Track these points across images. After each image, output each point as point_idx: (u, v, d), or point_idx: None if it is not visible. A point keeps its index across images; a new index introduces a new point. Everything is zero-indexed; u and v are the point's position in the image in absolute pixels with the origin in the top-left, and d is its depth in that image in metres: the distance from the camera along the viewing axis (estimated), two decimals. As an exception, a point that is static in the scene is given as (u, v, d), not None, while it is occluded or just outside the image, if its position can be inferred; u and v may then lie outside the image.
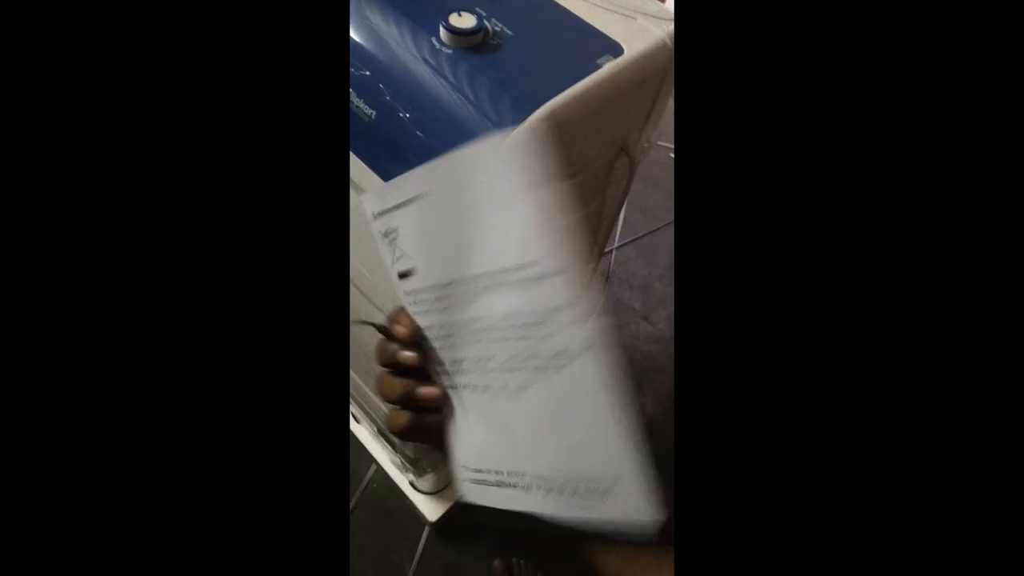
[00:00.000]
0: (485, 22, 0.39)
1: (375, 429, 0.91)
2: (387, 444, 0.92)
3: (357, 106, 0.40)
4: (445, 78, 0.38)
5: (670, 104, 0.45)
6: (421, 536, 1.04)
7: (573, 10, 0.41)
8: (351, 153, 0.43)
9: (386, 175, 0.42)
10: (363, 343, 0.67)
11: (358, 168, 0.43)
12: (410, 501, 1.03)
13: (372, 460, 1.08)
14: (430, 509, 1.01)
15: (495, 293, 0.25)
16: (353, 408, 1.04)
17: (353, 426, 1.09)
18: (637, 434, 0.23)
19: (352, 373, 0.81)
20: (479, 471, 0.28)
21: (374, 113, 0.40)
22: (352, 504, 1.06)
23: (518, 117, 0.36)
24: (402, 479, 1.04)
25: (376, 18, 0.41)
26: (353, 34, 0.40)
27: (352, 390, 0.88)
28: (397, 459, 0.96)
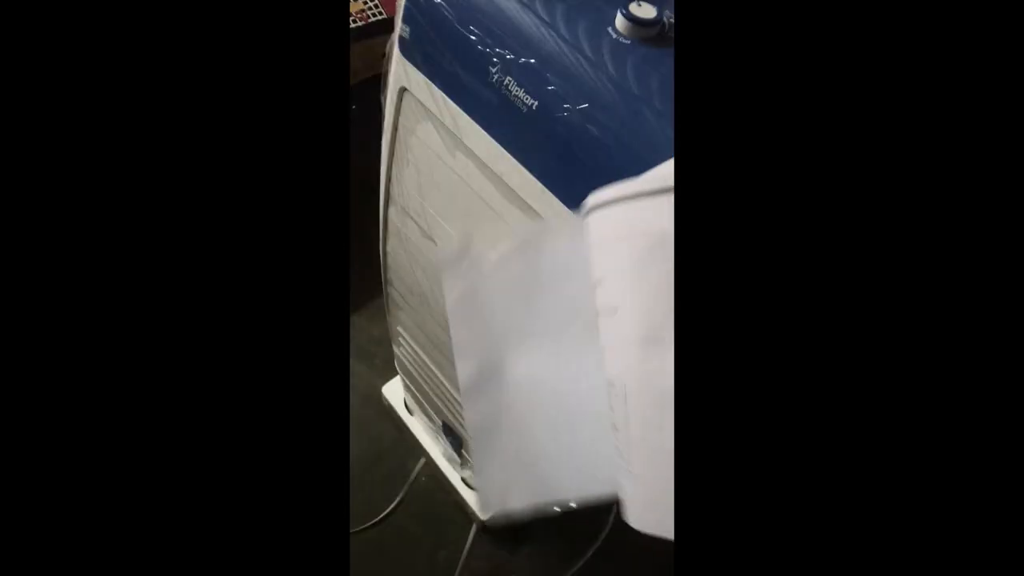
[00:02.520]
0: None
1: (439, 424, 0.89)
2: (449, 440, 0.90)
3: (516, 95, 0.38)
4: (621, 70, 0.36)
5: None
6: (469, 533, 1.02)
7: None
8: (493, 140, 0.42)
9: (539, 168, 0.40)
10: (434, 333, 0.66)
11: (503, 158, 0.41)
12: (460, 497, 1.02)
13: (423, 453, 1.07)
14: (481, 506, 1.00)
15: None
16: (409, 399, 1.02)
17: (406, 418, 1.08)
18: None
19: (420, 365, 0.79)
20: None
21: (536, 103, 0.38)
22: (400, 497, 1.05)
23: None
24: (454, 474, 1.03)
25: (541, 5, 0.39)
26: (516, 20, 0.39)
27: (418, 382, 0.86)
28: (453, 454, 0.94)
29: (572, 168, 0.38)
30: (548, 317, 0.35)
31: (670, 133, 0.34)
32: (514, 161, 0.41)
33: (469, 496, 1.01)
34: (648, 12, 0.36)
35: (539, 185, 0.40)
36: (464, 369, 0.36)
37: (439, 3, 0.41)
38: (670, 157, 0.34)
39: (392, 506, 1.04)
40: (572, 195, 0.39)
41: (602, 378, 0.32)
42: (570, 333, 0.34)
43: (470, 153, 0.44)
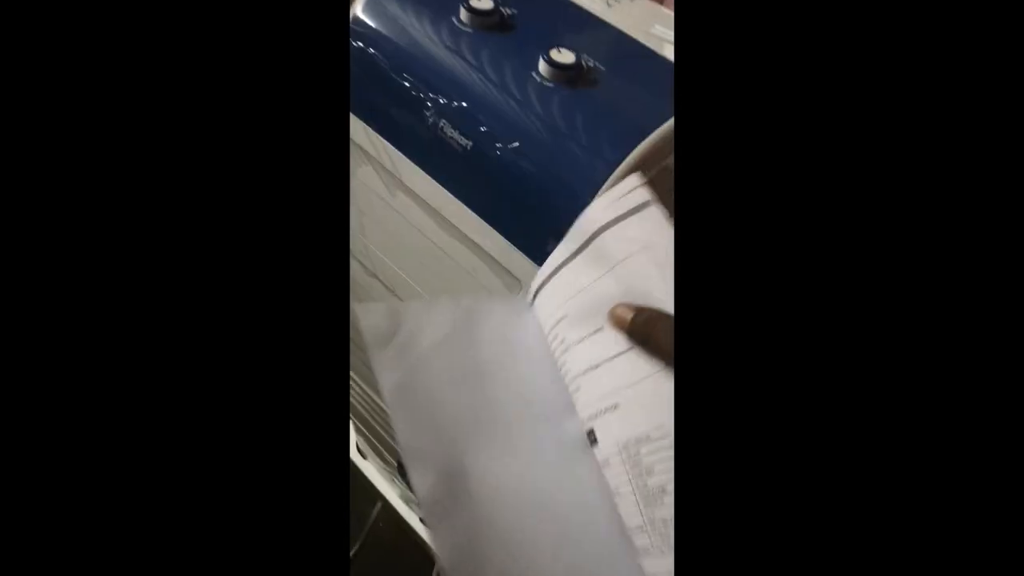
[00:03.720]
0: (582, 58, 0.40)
1: (395, 464, 0.88)
2: (405, 480, 0.89)
3: (451, 137, 0.41)
4: (544, 110, 0.39)
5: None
6: (431, 574, 1.00)
7: (659, 52, 0.43)
8: (432, 179, 0.44)
9: (477, 204, 0.42)
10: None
11: (442, 196, 0.43)
12: (420, 539, 1.00)
13: (379, 497, 1.05)
14: (442, 547, 0.98)
15: None
16: (361, 442, 1.01)
17: (359, 462, 1.06)
18: None
19: (371, 406, 0.79)
20: None
21: (470, 144, 0.40)
22: (359, 544, 1.02)
23: (621, 151, 0.37)
24: (412, 516, 1.01)
25: (470, 52, 0.41)
26: (448, 66, 0.41)
27: (369, 423, 0.86)
28: (411, 495, 0.93)
29: (508, 202, 0.40)
30: (503, 408, 0.32)
31: (597, 166, 0.37)
32: (453, 198, 0.43)
33: (429, 537, 1.00)
34: (568, 57, 0.39)
35: (478, 219, 0.42)
36: (421, 481, 0.30)
37: (373, 53, 0.43)
38: (598, 188, 0.37)
39: (351, 553, 1.01)
40: (509, 227, 0.41)
41: (595, 478, 0.29)
42: (535, 423, 0.31)
43: (410, 192, 0.46)
